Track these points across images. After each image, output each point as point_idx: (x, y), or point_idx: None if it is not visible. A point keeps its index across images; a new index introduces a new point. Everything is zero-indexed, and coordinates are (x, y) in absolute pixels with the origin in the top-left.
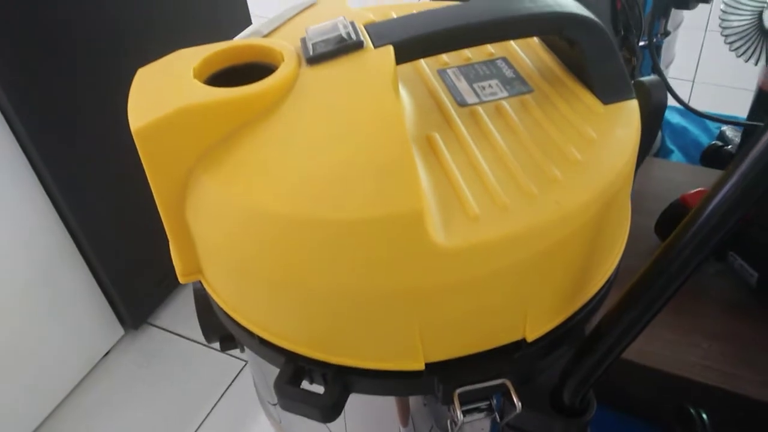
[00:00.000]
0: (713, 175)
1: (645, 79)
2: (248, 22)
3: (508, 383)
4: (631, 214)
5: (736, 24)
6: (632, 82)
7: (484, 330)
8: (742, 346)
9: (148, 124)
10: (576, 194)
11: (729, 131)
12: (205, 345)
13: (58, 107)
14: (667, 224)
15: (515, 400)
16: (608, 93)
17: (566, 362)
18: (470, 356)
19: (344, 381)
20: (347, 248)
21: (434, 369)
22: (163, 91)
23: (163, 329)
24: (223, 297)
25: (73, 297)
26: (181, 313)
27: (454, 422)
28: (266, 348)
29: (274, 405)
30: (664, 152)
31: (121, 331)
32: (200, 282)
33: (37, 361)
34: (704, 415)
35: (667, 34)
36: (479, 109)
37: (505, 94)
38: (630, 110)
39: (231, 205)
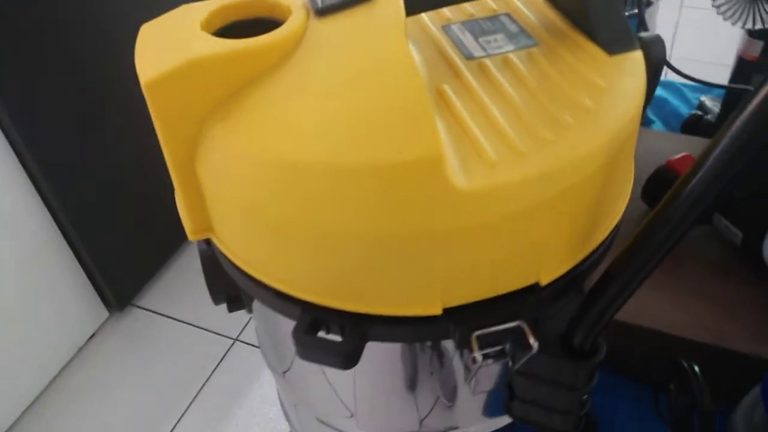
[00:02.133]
0: (695, 142)
1: (644, 34)
2: None
3: (524, 325)
4: None
5: None
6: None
7: (501, 274)
8: (729, 304)
9: (159, 77)
10: (589, 139)
11: (708, 101)
12: (191, 324)
13: (39, 91)
14: (654, 189)
15: (531, 340)
16: (613, 44)
17: (577, 307)
18: (486, 300)
19: (362, 329)
20: (368, 194)
21: (451, 314)
22: (172, 44)
23: (149, 310)
24: (236, 252)
25: (57, 280)
26: (165, 293)
27: (469, 368)
28: (281, 300)
29: (283, 372)
30: (645, 123)
31: (105, 313)
32: (205, 243)
33: (22, 345)
34: (696, 368)
35: (649, 4)
36: (487, 61)
37: (511, 47)
38: (636, 60)
39: (247, 155)
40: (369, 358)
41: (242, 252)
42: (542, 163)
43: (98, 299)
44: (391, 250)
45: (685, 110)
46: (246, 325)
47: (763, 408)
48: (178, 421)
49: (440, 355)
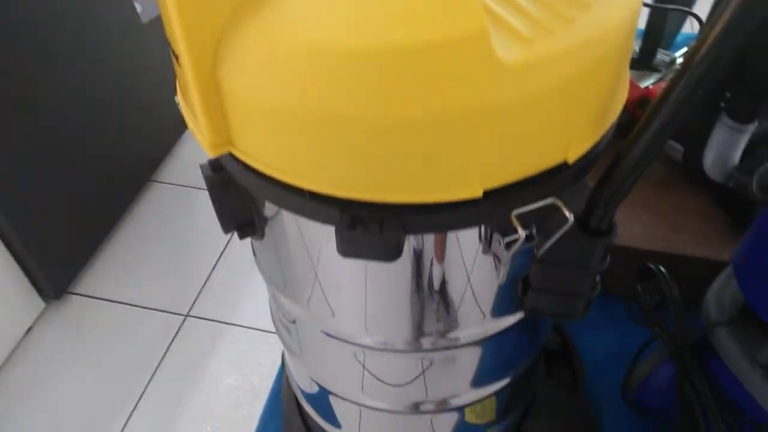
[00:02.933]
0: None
1: None
2: None
3: (559, 201)
4: None
5: None
6: None
7: (535, 152)
8: (675, 215)
9: None
10: (611, 14)
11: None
12: (136, 306)
13: None
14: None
15: (567, 214)
16: None
17: (592, 189)
18: (520, 182)
19: (402, 220)
20: (416, 75)
21: (490, 196)
22: None
23: (88, 296)
24: (264, 161)
25: None
26: (103, 277)
27: (499, 256)
28: (317, 203)
29: (293, 292)
30: None
31: (41, 303)
32: (211, 170)
33: None
34: (663, 269)
35: None
36: None
37: None
38: None
39: (280, 45)
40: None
41: (270, 159)
42: (573, 36)
43: (32, 289)
44: (439, 132)
45: None
46: (196, 299)
47: (735, 288)
48: (135, 406)
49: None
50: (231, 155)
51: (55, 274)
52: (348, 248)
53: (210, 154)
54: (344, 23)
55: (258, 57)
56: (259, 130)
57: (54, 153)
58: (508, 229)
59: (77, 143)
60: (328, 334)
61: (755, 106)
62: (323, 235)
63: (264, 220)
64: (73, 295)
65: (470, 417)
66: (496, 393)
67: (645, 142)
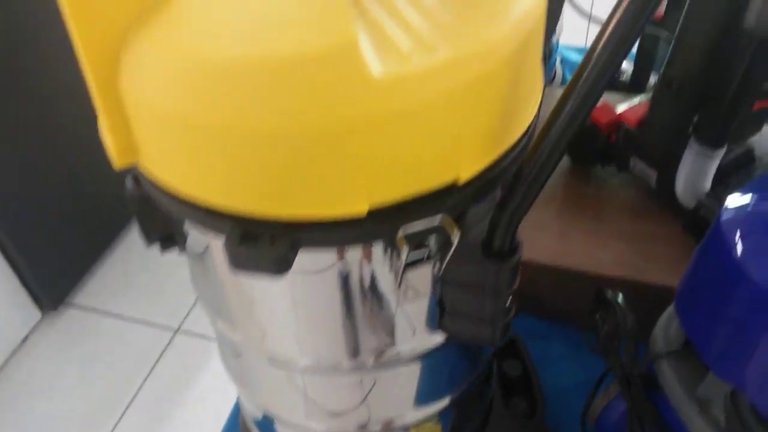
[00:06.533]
0: (611, 97)
1: None
2: None
3: (446, 221)
4: None
5: None
6: None
7: (421, 170)
8: (646, 242)
9: None
10: (495, 31)
11: (624, 63)
12: (130, 319)
13: None
14: (574, 140)
15: (453, 235)
16: None
17: (494, 210)
18: (410, 200)
19: (292, 236)
20: (286, 86)
21: (376, 214)
22: None
23: (84, 308)
24: (161, 172)
25: None
26: (100, 289)
27: (398, 273)
28: (211, 217)
29: (223, 312)
30: (565, 83)
31: (38, 313)
32: (133, 182)
33: None
34: (620, 298)
35: None
36: None
37: None
38: None
39: (163, 58)
40: (301, 279)
41: (166, 170)
42: (452, 52)
43: (30, 300)
44: (312, 145)
45: None
46: (187, 315)
47: (678, 321)
48: (121, 418)
49: (370, 262)
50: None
51: (52, 286)
52: (238, 262)
53: (116, 164)
54: (220, 35)
55: (144, 68)
56: (154, 141)
57: (54, 166)
58: (410, 244)
59: (78, 157)
60: (265, 358)
61: (723, 131)
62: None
63: (182, 234)
64: (69, 307)
65: None
66: (441, 415)
67: (539, 160)
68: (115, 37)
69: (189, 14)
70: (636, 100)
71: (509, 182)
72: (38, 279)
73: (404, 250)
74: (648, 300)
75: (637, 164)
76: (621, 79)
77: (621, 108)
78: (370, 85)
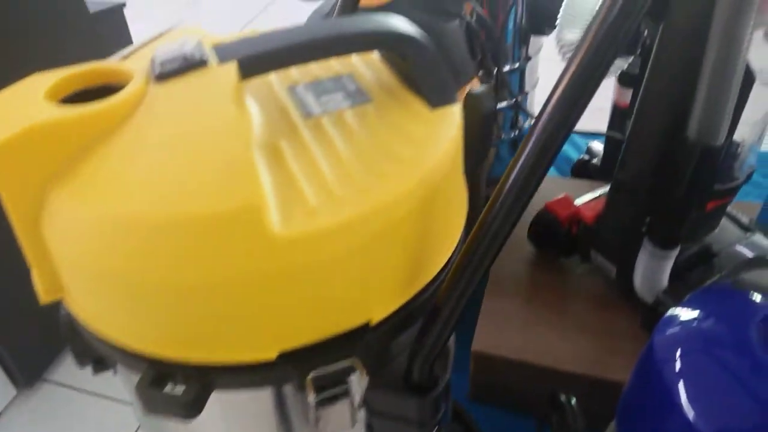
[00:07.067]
0: (579, 185)
1: (475, 90)
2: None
3: (357, 362)
4: None
5: (570, 37)
6: (467, 93)
7: (331, 315)
8: (608, 336)
9: None
10: (401, 185)
11: (595, 145)
12: (108, 397)
13: None
14: (537, 231)
15: (363, 375)
16: (435, 99)
17: (413, 344)
18: (320, 343)
19: (203, 379)
20: (192, 244)
21: (286, 358)
22: (13, 112)
23: (61, 384)
24: (82, 311)
25: None
26: (76, 367)
27: (311, 411)
28: (128, 357)
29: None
30: None
31: (13, 390)
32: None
33: None
34: (573, 401)
35: (528, 59)
36: (323, 119)
37: (348, 104)
38: (452, 113)
39: (82, 214)
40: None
41: (86, 311)
42: (358, 206)
43: (5, 376)
44: (220, 298)
45: (574, 154)
46: None
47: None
48: None
49: (282, 401)
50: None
51: (27, 363)
52: (149, 405)
53: (42, 298)
54: (131, 194)
55: (61, 222)
56: (74, 286)
57: None
58: (319, 387)
59: None
60: None
61: (675, 233)
62: None
63: (112, 361)
64: (45, 383)
65: None
66: None
67: (453, 298)
68: (36, 190)
69: (101, 171)
70: (598, 192)
71: (427, 316)
72: (13, 355)
73: (315, 391)
74: (609, 396)
75: (597, 257)
76: (593, 161)
77: (584, 198)
78: (273, 243)
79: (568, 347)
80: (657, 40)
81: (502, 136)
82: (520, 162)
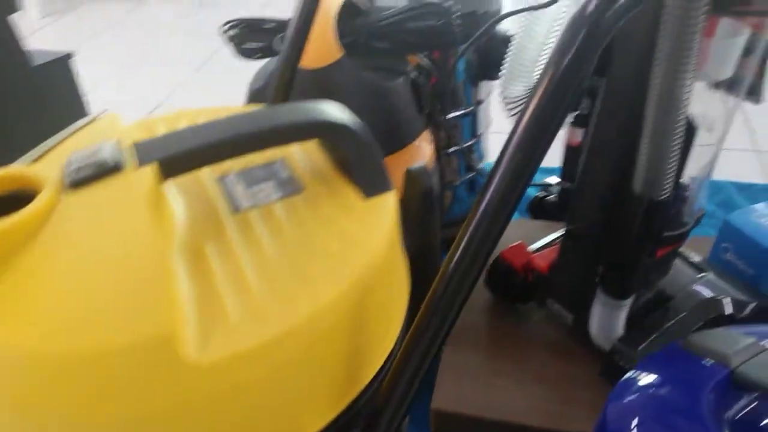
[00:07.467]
0: (536, 226)
1: (412, 167)
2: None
3: None
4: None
5: (514, 92)
6: (406, 170)
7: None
8: (567, 385)
9: None
10: (331, 288)
11: (553, 181)
12: None
13: None
14: (493, 278)
15: None
16: (368, 188)
17: None
18: None
19: None
20: (106, 378)
21: None
22: None
23: None
24: None
25: None
26: None
27: None
28: None
29: None
30: None
31: None
32: None
33: None
34: None
35: (480, 102)
36: (252, 214)
37: (279, 195)
38: (386, 203)
39: None
40: None
41: None
42: (283, 322)
43: None
44: (135, 426)
45: (533, 192)
46: None
47: None
48: None
49: None
50: None
51: None
52: None
53: None
54: (35, 326)
55: None
56: None
57: None
58: None
59: None
60: None
61: (627, 283)
62: None
63: None
64: None
65: None
66: None
67: (395, 398)
68: None
69: (10, 300)
70: (554, 236)
71: (366, 420)
72: None
73: None
74: None
75: (554, 305)
76: (548, 198)
77: (541, 243)
78: (190, 371)
79: (527, 399)
80: (602, 95)
81: (459, 179)
82: (462, 246)
